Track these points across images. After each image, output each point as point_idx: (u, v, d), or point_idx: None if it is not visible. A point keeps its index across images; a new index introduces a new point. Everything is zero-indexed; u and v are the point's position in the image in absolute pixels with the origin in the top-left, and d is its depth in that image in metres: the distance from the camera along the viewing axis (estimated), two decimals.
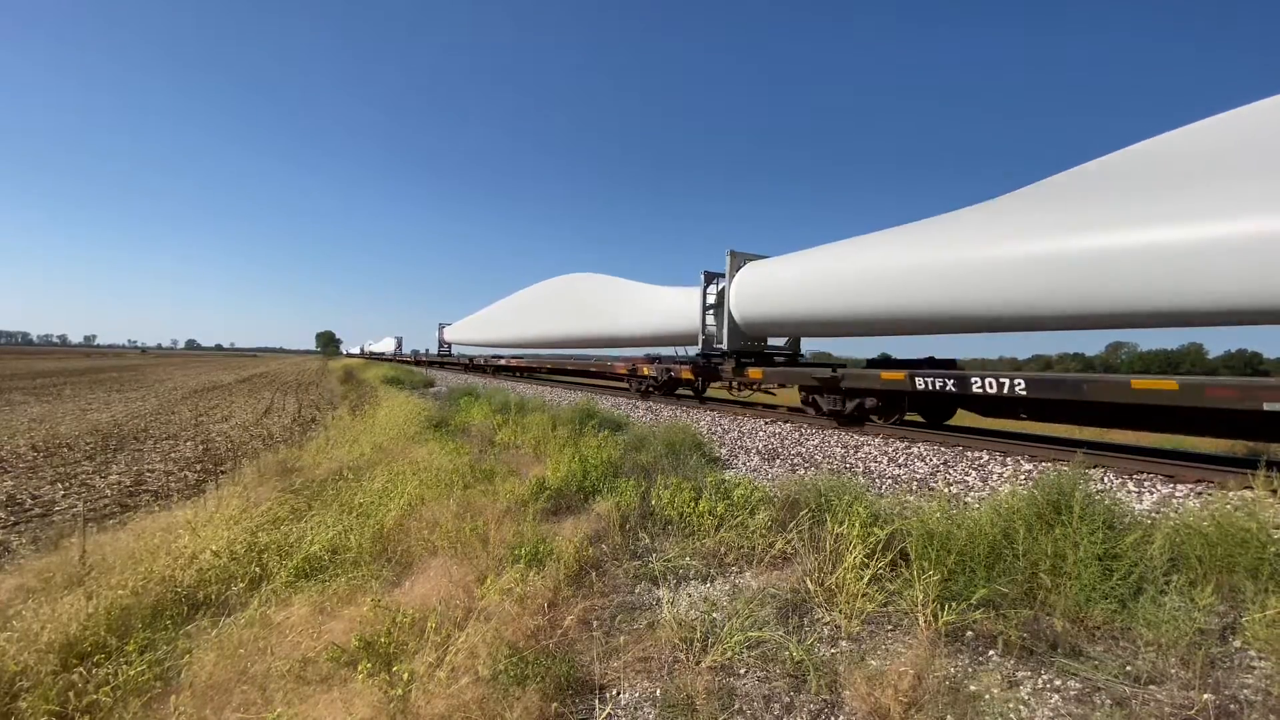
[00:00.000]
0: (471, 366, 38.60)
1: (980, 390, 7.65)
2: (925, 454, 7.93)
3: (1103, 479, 6.22)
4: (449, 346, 45.63)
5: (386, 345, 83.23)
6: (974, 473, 6.92)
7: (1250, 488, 4.61)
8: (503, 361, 31.82)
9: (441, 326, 46.04)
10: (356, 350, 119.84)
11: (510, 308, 29.45)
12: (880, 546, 3.87)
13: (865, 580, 3.60)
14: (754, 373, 12.24)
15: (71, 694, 2.90)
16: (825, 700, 2.79)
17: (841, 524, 4.17)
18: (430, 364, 49.38)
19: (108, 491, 7.90)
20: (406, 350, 71.78)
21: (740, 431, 10.58)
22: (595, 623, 3.60)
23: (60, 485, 8.18)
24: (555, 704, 2.78)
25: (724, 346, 12.67)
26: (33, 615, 3.55)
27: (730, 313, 12.37)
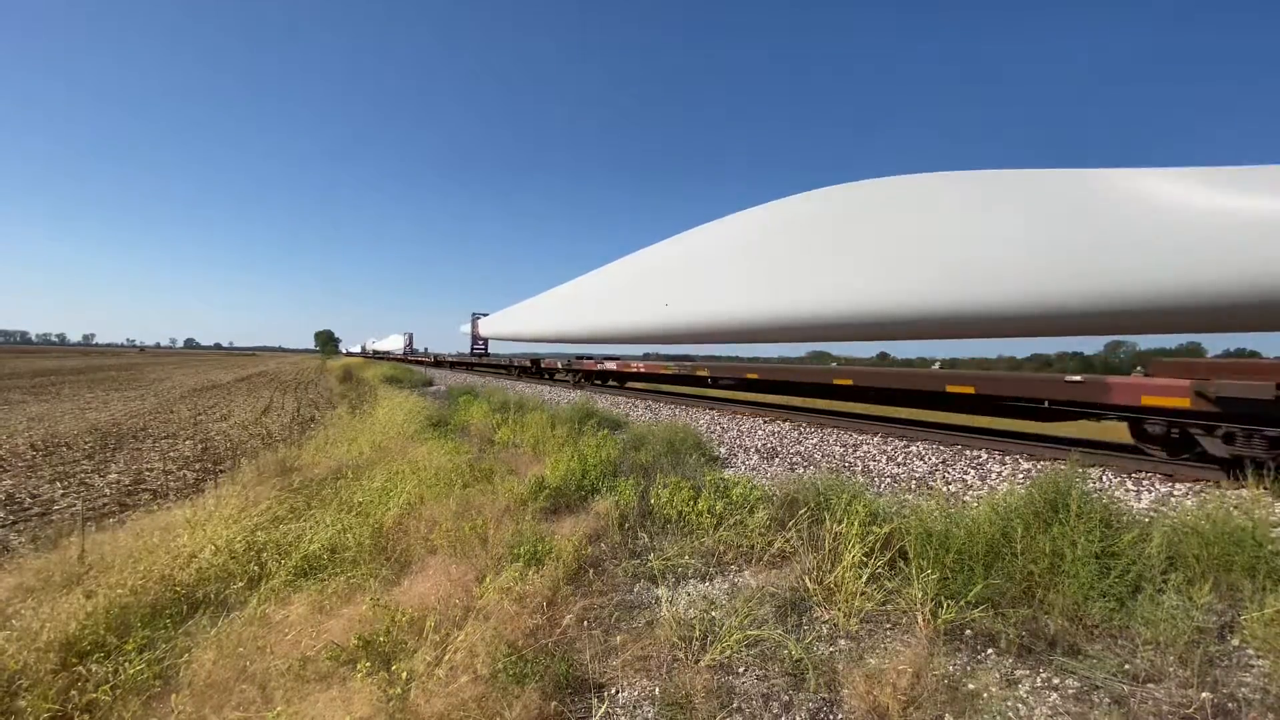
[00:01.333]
0: (534, 372, 25.95)
1: None
2: (924, 453, 7.94)
3: (1100, 478, 6.23)
4: (485, 343, 36.60)
5: (393, 343, 77.92)
6: (972, 471, 6.93)
7: (1245, 487, 4.62)
8: (630, 368, 17.64)
9: (476, 318, 36.17)
10: (357, 349, 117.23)
11: (643, 268, 15.18)
12: (879, 545, 3.88)
13: (864, 579, 3.60)
14: None
15: (71, 692, 2.91)
16: (824, 699, 2.79)
17: (840, 523, 4.18)
18: (458, 366, 40.55)
19: (106, 490, 7.90)
20: (419, 349, 65.86)
21: (739, 430, 10.59)
22: (594, 621, 3.60)
23: (59, 484, 8.17)
24: (554, 702, 2.79)
25: None
26: (32, 614, 3.55)
27: None
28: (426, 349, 53.40)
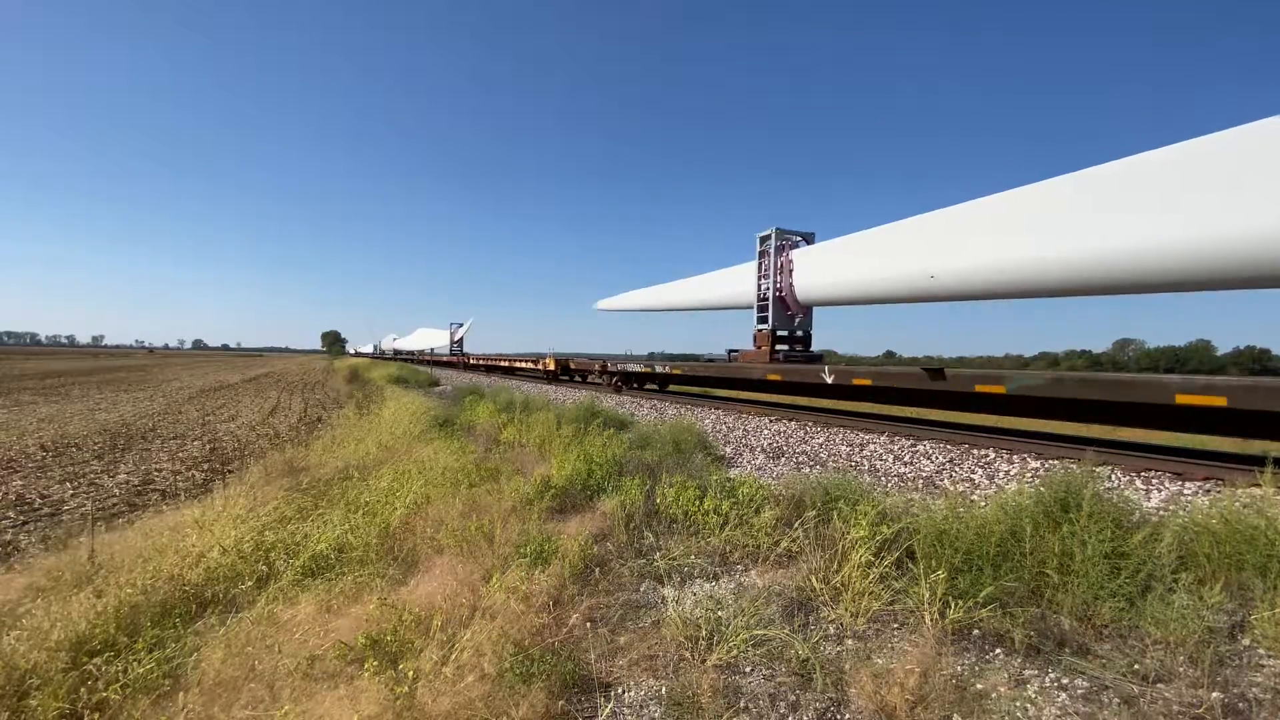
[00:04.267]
0: None
1: None
2: (931, 452, 7.90)
3: (1110, 476, 6.19)
4: (802, 320, 14.21)
5: (428, 339, 56.19)
6: (980, 470, 6.89)
7: (1258, 485, 4.58)
8: None
9: (783, 245, 13.90)
10: (367, 349, 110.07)
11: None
12: (886, 544, 3.86)
13: (871, 578, 3.59)
14: None
15: (81, 691, 2.93)
16: (831, 698, 2.78)
17: (847, 522, 4.17)
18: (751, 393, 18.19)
19: (116, 491, 7.95)
20: (473, 349, 44.63)
21: (745, 430, 10.58)
22: (600, 621, 3.60)
23: (69, 485, 8.24)
24: (561, 701, 2.79)
25: None
26: (43, 614, 3.57)
27: None
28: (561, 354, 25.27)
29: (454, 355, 46.71)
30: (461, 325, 48.05)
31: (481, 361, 38.17)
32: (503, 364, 34.09)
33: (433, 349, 54.17)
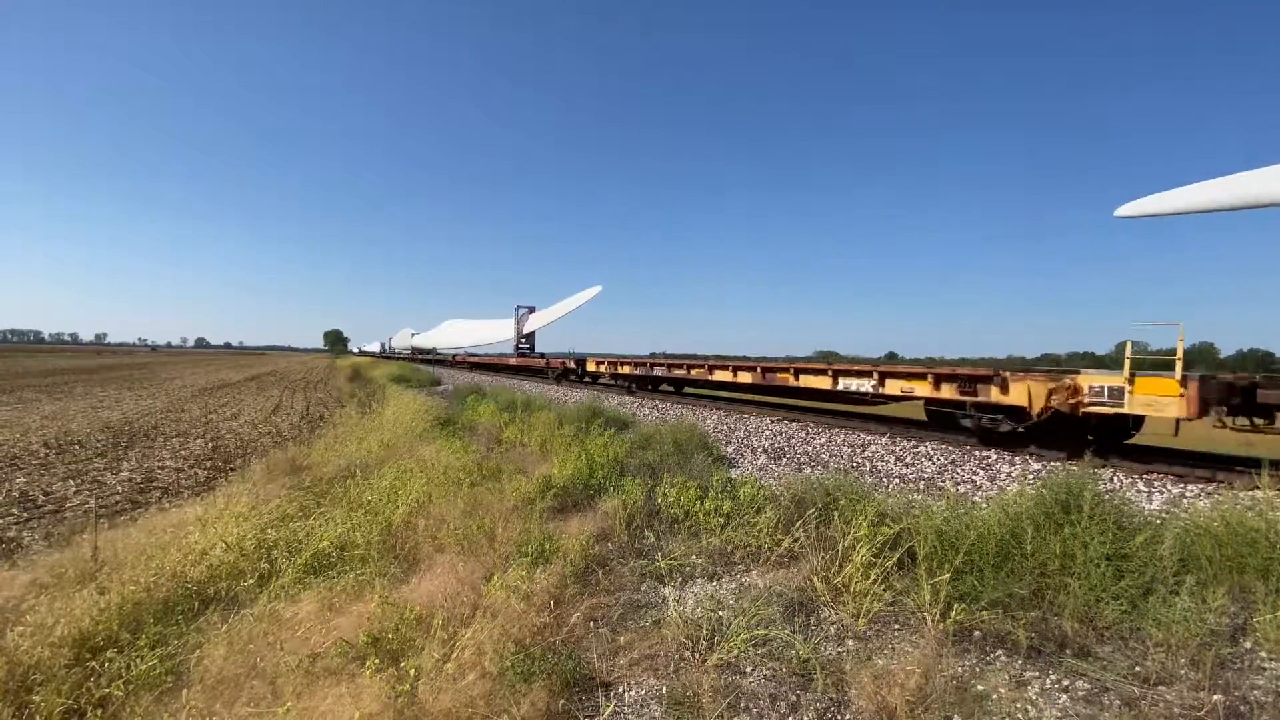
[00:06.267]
0: None
1: None
2: (933, 453, 7.90)
3: (1112, 478, 6.18)
4: None
5: (468, 334, 42.99)
6: (981, 472, 6.89)
7: (1258, 487, 4.58)
8: None
9: None
10: (374, 347, 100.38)
11: None
12: (887, 545, 3.86)
13: (872, 579, 3.59)
14: None
15: (85, 687, 2.94)
16: (832, 699, 2.78)
17: (849, 523, 4.17)
18: None
19: (119, 488, 7.98)
20: (551, 349, 31.25)
21: (747, 430, 10.58)
22: (601, 620, 3.61)
23: (72, 482, 8.26)
24: (562, 700, 2.79)
25: None
26: (46, 610, 3.59)
27: None
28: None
29: (525, 356, 31.31)
30: (533, 310, 32.86)
31: (628, 368, 18.51)
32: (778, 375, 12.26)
33: (509, 345, 37.82)
